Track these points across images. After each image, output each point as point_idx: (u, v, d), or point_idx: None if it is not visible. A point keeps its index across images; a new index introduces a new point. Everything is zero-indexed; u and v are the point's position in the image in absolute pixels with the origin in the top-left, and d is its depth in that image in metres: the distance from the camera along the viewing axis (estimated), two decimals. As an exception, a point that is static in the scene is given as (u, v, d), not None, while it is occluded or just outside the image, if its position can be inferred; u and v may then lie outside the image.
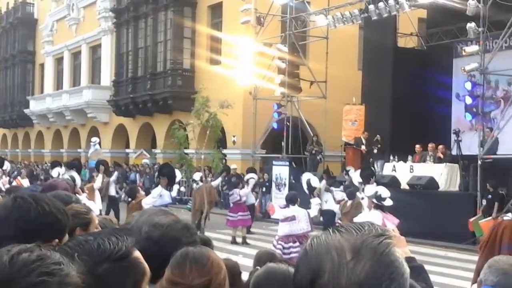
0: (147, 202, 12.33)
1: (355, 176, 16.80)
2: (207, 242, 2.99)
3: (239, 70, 26.89)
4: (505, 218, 10.82)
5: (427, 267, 2.79)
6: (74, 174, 12.92)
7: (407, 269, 1.27)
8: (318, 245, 1.28)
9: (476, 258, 14.01)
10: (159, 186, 13.52)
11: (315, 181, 14.81)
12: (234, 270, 3.76)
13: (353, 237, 1.26)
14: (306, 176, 15.30)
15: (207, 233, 16.43)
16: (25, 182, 18.00)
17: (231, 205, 17.81)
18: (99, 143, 28.66)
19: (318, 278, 1.23)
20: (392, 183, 17.90)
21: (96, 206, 11.56)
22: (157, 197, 12.93)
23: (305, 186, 14.54)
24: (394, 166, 20.45)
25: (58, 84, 47.02)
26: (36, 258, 1.28)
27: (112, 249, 1.71)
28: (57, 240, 2.34)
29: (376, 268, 1.22)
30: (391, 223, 9.48)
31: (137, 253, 1.81)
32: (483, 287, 3.06)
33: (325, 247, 1.26)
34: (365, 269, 1.21)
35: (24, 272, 1.25)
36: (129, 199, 14.07)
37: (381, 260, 1.23)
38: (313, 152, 23.82)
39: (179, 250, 2.36)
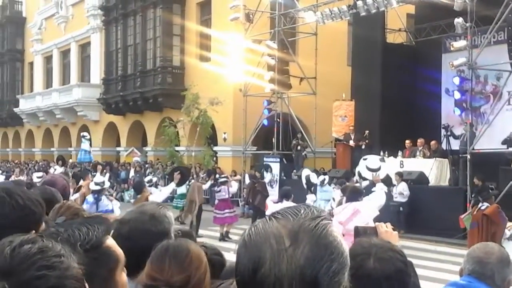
0: (156, 198, 11.71)
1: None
2: (188, 234, 2.96)
3: (229, 67, 26.85)
4: (482, 208, 10.89)
5: (417, 262, 2.84)
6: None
7: (346, 248, 1.26)
8: (256, 234, 1.26)
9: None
10: (172, 183, 13.22)
11: (314, 177, 14.69)
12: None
13: (290, 223, 1.25)
14: (305, 172, 15.22)
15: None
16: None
17: (216, 201, 17.74)
18: (90, 139, 28.73)
19: (260, 267, 1.22)
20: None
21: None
22: (167, 195, 12.65)
23: (304, 182, 14.42)
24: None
25: (48, 83, 46.83)
26: (37, 250, 1.27)
27: (83, 240, 1.70)
28: (34, 231, 2.35)
29: (315, 251, 1.22)
30: (362, 219, 7.78)
31: (109, 241, 1.79)
32: (463, 277, 3.12)
33: (263, 235, 1.25)
34: (304, 253, 1.21)
35: (24, 266, 1.24)
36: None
37: (319, 243, 1.23)
38: (298, 148, 23.87)
39: (160, 242, 2.35)
